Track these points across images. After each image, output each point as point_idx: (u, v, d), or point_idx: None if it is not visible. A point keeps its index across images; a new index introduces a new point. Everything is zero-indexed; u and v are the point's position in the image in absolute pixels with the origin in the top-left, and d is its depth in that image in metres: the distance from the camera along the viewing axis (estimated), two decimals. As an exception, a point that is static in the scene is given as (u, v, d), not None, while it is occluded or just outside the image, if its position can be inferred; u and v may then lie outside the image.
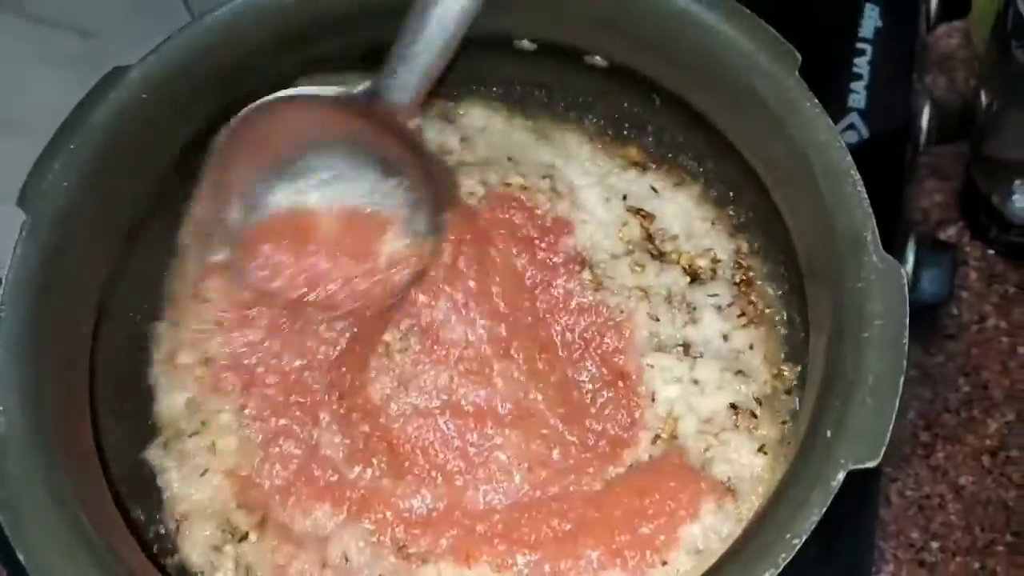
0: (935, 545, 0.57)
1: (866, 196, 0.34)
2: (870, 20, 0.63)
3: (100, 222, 0.40)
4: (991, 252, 0.65)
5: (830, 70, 0.61)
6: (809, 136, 0.35)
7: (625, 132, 0.49)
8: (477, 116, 0.50)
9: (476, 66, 0.46)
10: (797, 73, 0.36)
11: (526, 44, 0.46)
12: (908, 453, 0.61)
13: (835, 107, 0.60)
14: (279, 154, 0.44)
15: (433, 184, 0.44)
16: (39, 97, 0.49)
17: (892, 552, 0.57)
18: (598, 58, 0.45)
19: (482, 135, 0.50)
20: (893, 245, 0.56)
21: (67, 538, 0.31)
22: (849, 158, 0.34)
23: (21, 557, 0.31)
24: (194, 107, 0.43)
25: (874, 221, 0.33)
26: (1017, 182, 0.60)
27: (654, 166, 0.48)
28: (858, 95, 0.60)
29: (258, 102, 0.42)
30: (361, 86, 0.42)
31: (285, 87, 0.44)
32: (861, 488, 0.49)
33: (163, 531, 0.41)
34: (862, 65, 0.62)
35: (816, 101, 0.36)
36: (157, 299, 0.46)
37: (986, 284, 0.65)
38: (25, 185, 0.38)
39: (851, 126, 0.60)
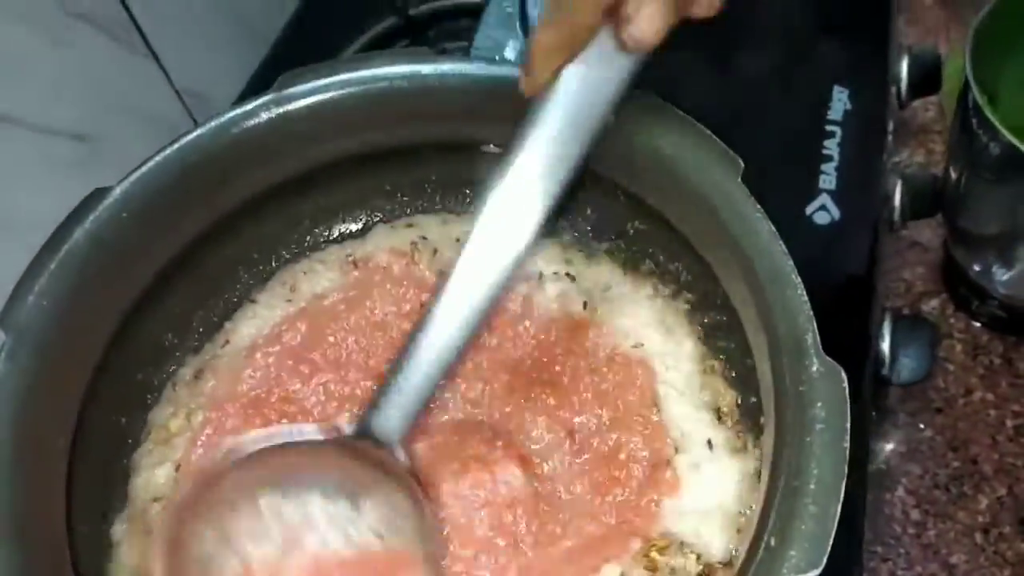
0: (929, 626, 0.56)
1: (807, 300, 0.35)
2: (839, 103, 0.65)
3: (80, 339, 0.42)
4: (976, 324, 0.66)
5: (800, 152, 0.63)
6: (752, 242, 0.36)
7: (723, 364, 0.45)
8: (601, 273, 0.50)
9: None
10: (739, 179, 0.38)
11: (492, 148, 0.48)
12: (899, 532, 0.60)
13: (806, 188, 0.61)
14: (254, 503, 0.39)
15: (427, 521, 0.41)
16: (35, 202, 0.51)
17: (885, 635, 0.56)
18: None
19: (605, 296, 0.49)
20: (869, 324, 0.57)
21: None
22: (791, 263, 0.35)
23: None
24: (175, 224, 0.46)
25: (815, 325, 0.34)
26: (992, 256, 0.60)
27: (730, 423, 0.44)
28: (828, 176, 0.62)
29: (226, 453, 0.40)
30: (346, 426, 0.41)
31: (260, 206, 0.44)
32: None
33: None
34: (832, 147, 0.63)
35: (758, 206, 0.37)
36: (140, 395, 0.48)
37: (971, 356, 0.65)
38: (6, 306, 0.40)
39: (822, 207, 0.61)
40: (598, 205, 0.50)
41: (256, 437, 0.40)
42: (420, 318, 0.39)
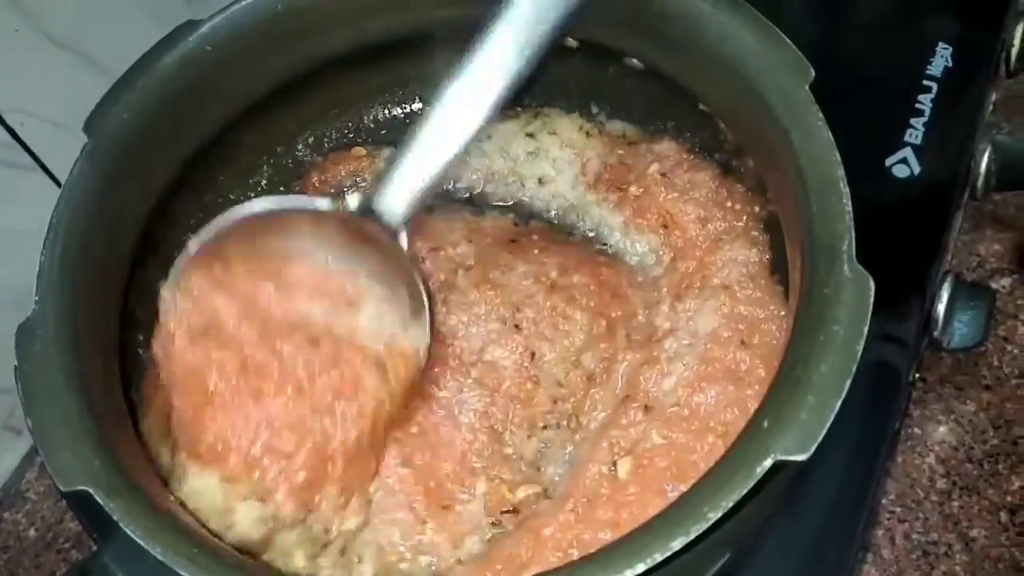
0: (934, 592, 0.56)
1: (850, 209, 0.34)
2: (941, 60, 0.63)
3: (156, 153, 0.45)
4: (1046, 309, 0.63)
5: (892, 102, 0.61)
6: (806, 146, 0.36)
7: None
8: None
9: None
10: (807, 88, 0.37)
11: (570, 42, 0.48)
12: (921, 497, 0.59)
13: (891, 139, 0.60)
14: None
15: (422, 304, 0.42)
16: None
17: (888, 592, 0.56)
18: (634, 60, 0.47)
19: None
20: (927, 283, 0.56)
21: (73, 418, 0.35)
22: (841, 171, 0.35)
23: (29, 425, 0.35)
24: (254, 67, 0.47)
25: (853, 234, 0.34)
26: (1076, 238, 0.58)
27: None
28: (916, 131, 0.60)
29: (244, 211, 0.41)
30: (353, 201, 0.41)
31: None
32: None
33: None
34: (925, 102, 0.61)
35: (820, 114, 0.37)
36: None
37: (1034, 340, 0.63)
38: (92, 113, 0.42)
39: (903, 160, 0.59)
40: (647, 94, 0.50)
41: (266, 201, 0.42)
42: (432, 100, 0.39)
